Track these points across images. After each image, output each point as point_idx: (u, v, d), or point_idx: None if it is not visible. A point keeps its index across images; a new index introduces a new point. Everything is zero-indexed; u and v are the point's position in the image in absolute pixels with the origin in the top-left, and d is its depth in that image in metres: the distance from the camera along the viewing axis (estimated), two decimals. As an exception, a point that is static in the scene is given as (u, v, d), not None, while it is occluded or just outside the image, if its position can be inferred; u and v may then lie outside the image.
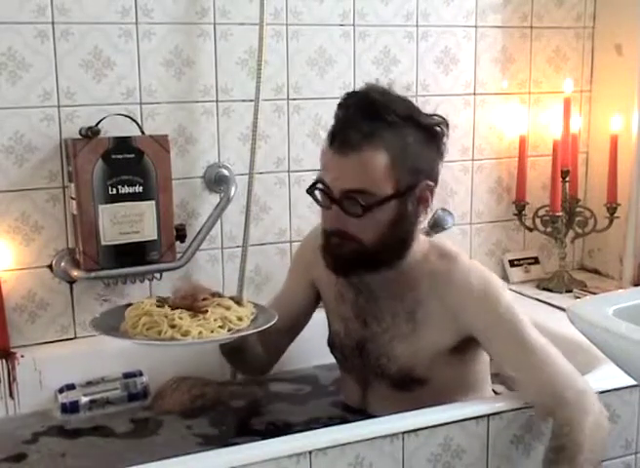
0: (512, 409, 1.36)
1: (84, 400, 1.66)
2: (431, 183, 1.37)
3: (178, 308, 1.30)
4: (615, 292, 1.25)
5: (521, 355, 1.36)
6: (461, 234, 2.12)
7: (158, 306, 1.32)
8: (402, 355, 1.43)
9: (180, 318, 1.27)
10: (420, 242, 1.44)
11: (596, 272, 2.29)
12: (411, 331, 1.42)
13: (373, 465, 1.27)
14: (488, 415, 1.34)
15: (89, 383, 1.70)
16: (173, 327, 1.27)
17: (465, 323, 1.39)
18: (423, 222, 1.43)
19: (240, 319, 1.33)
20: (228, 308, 1.33)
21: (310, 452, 1.22)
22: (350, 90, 1.91)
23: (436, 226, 1.98)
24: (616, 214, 2.10)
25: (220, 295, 1.38)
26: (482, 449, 1.35)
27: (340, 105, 1.37)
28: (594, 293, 2.03)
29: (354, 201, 1.32)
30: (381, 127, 1.31)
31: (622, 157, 2.09)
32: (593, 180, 2.26)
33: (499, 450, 1.36)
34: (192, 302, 1.31)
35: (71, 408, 1.65)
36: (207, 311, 1.29)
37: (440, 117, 1.39)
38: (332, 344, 1.57)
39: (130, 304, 1.39)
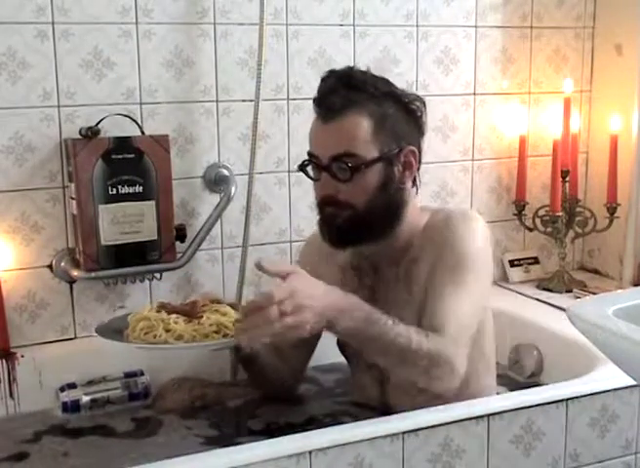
0: (512, 409, 1.36)
1: (85, 399, 1.67)
2: (414, 149, 1.42)
3: (175, 313, 1.32)
4: (615, 293, 1.25)
5: (442, 294, 1.38)
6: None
7: (158, 311, 1.33)
8: (410, 322, 1.38)
9: (176, 322, 1.29)
10: (415, 210, 1.48)
11: (596, 272, 2.29)
12: (407, 293, 1.44)
13: (373, 465, 1.26)
14: (488, 415, 1.34)
15: (90, 382, 1.70)
16: (168, 331, 1.29)
17: (435, 259, 1.41)
18: (412, 189, 1.46)
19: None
20: (225, 314, 1.33)
21: (310, 452, 1.22)
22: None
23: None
24: (616, 215, 2.10)
25: (219, 302, 1.39)
26: (482, 449, 1.35)
27: (322, 79, 1.42)
28: (594, 293, 2.03)
29: (343, 164, 1.37)
30: (362, 96, 1.38)
31: (622, 157, 2.09)
32: (593, 180, 2.26)
33: (498, 450, 1.36)
34: (190, 308, 1.33)
35: (72, 407, 1.66)
36: (202, 316, 1.31)
37: (416, 95, 1.46)
38: (343, 343, 1.55)
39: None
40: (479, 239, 1.44)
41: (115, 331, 1.36)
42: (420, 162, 1.45)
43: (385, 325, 1.29)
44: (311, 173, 1.45)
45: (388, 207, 1.42)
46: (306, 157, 1.46)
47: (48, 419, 1.64)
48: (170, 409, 1.65)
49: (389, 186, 1.41)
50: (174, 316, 1.31)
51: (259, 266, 1.24)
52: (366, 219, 1.40)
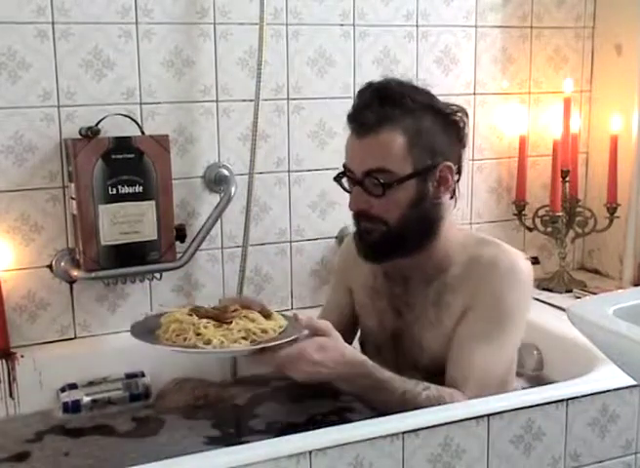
0: (512, 409, 1.36)
1: (86, 399, 1.67)
2: (450, 164, 1.40)
3: (207, 317, 1.33)
4: (615, 292, 1.25)
5: (471, 347, 1.39)
6: (461, 234, 2.12)
7: (189, 315, 1.34)
8: (431, 344, 1.44)
9: (206, 327, 1.31)
10: (453, 227, 1.48)
11: (596, 272, 2.29)
12: (435, 318, 1.44)
13: (373, 465, 1.26)
14: (488, 415, 1.34)
15: (91, 383, 1.70)
16: (198, 335, 1.30)
17: (471, 301, 1.41)
18: (449, 204, 1.45)
19: (264, 331, 1.33)
20: (253, 320, 1.34)
21: (310, 452, 1.21)
22: (350, 90, 1.96)
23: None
24: (616, 215, 2.10)
25: (249, 308, 1.39)
26: (482, 449, 1.34)
27: (358, 93, 1.42)
28: (594, 293, 2.03)
29: (375, 180, 1.37)
30: (397, 111, 1.37)
31: (622, 157, 2.09)
32: (593, 180, 2.26)
33: (499, 450, 1.36)
34: (221, 313, 1.34)
35: (73, 407, 1.66)
36: (232, 322, 1.32)
37: (458, 106, 1.44)
38: (363, 343, 1.58)
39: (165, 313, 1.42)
40: (523, 295, 1.43)
41: (148, 330, 1.37)
42: (460, 173, 1.43)
43: (393, 393, 1.33)
44: (346, 184, 1.46)
45: (422, 222, 1.42)
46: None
47: (49, 419, 1.64)
48: (171, 409, 1.65)
49: (423, 202, 1.40)
50: (204, 320, 1.32)
51: (295, 317, 1.33)
52: (399, 235, 1.40)
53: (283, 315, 1.43)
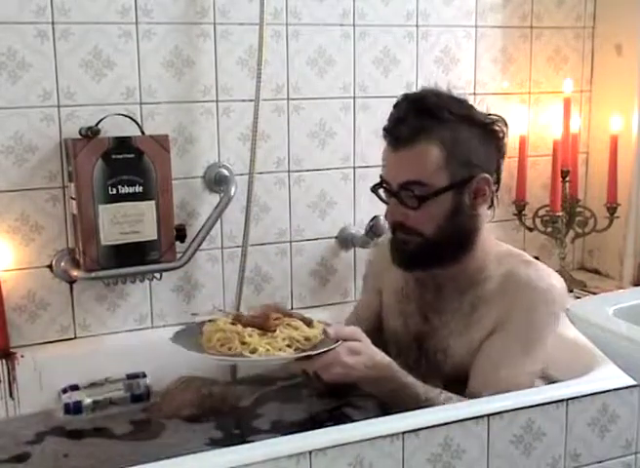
0: (512, 409, 1.36)
1: (87, 401, 1.67)
2: (487, 176, 1.40)
3: (250, 326, 1.35)
4: (615, 293, 1.25)
5: (500, 362, 1.40)
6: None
7: (232, 323, 1.36)
8: (457, 352, 1.45)
9: (250, 336, 1.32)
10: (490, 239, 1.49)
11: (596, 272, 2.29)
12: (465, 328, 1.44)
13: (373, 465, 1.26)
14: (488, 415, 1.33)
15: (92, 384, 1.70)
16: (243, 343, 1.32)
17: (500, 322, 1.42)
18: (486, 215, 1.46)
19: (307, 339, 1.35)
20: (297, 328, 1.36)
21: (310, 452, 1.21)
22: (350, 90, 1.96)
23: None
24: (616, 215, 2.10)
25: (290, 316, 1.41)
26: (482, 449, 1.34)
27: (395, 105, 1.42)
28: (594, 293, 2.03)
29: (410, 193, 1.38)
30: (434, 123, 1.37)
31: (622, 157, 2.09)
32: (593, 180, 2.26)
33: (498, 450, 1.35)
34: (264, 321, 1.35)
35: (74, 408, 1.66)
36: (275, 330, 1.34)
37: (498, 116, 1.43)
38: (386, 343, 1.57)
39: (208, 321, 1.43)
40: (556, 318, 1.43)
41: (190, 339, 1.38)
42: (498, 184, 1.44)
43: (416, 398, 1.36)
44: (383, 195, 1.47)
45: (458, 234, 1.42)
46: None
47: (49, 420, 1.63)
48: (178, 408, 1.62)
49: (459, 214, 1.40)
50: (249, 329, 1.33)
51: (325, 332, 1.33)
52: (435, 247, 1.41)
53: (322, 322, 1.44)
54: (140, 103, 1.78)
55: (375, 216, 1.89)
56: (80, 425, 1.62)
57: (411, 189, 1.37)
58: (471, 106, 1.44)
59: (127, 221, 1.69)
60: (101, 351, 1.77)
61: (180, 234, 1.79)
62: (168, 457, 1.21)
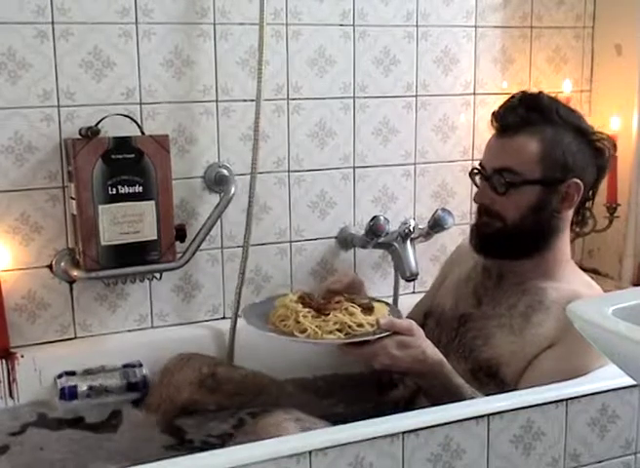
0: (512, 409, 1.36)
1: (83, 387, 1.67)
2: (579, 182, 1.45)
3: (309, 307, 1.41)
4: (615, 292, 1.25)
5: (548, 377, 1.43)
6: (461, 234, 2.11)
7: (296, 302, 1.42)
8: (498, 345, 1.47)
9: (305, 316, 1.38)
10: (567, 250, 1.53)
11: (595, 272, 2.29)
12: (518, 329, 1.47)
13: (373, 465, 1.26)
14: (488, 415, 1.33)
15: (88, 371, 1.71)
16: (297, 322, 1.38)
17: (558, 340, 1.44)
18: (568, 222, 1.52)
19: (360, 325, 1.38)
20: (352, 314, 1.39)
21: (310, 452, 1.21)
22: (350, 90, 1.96)
23: (436, 226, 1.98)
24: (615, 215, 2.10)
25: (353, 301, 1.44)
26: (482, 449, 1.34)
27: (510, 97, 1.51)
28: (594, 294, 2.03)
29: (501, 178, 1.44)
30: (541, 120, 1.44)
31: (622, 157, 2.09)
32: (593, 180, 2.26)
33: (498, 450, 1.35)
34: (323, 305, 1.41)
35: (70, 393, 1.67)
36: (329, 314, 1.39)
37: (607, 135, 1.51)
38: (427, 314, 1.64)
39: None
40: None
41: (261, 312, 1.46)
42: (592, 199, 1.51)
43: (459, 398, 1.38)
44: (477, 180, 1.53)
45: (537, 230, 1.47)
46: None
47: (40, 408, 1.64)
48: (178, 386, 1.61)
49: (543, 211, 1.46)
50: (306, 310, 1.40)
51: (377, 323, 1.36)
52: (512, 235, 1.47)
53: (388, 304, 1.51)
54: (140, 103, 1.78)
55: (374, 217, 1.89)
56: (66, 414, 1.63)
57: (502, 175, 1.44)
58: (582, 118, 1.51)
59: (127, 221, 1.69)
60: (102, 351, 1.77)
61: (180, 234, 1.79)
62: (167, 457, 1.21)
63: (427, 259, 2.12)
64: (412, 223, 1.96)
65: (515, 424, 1.36)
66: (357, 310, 1.41)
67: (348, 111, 1.98)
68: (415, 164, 2.08)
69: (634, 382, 1.40)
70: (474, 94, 2.12)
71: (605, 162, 1.49)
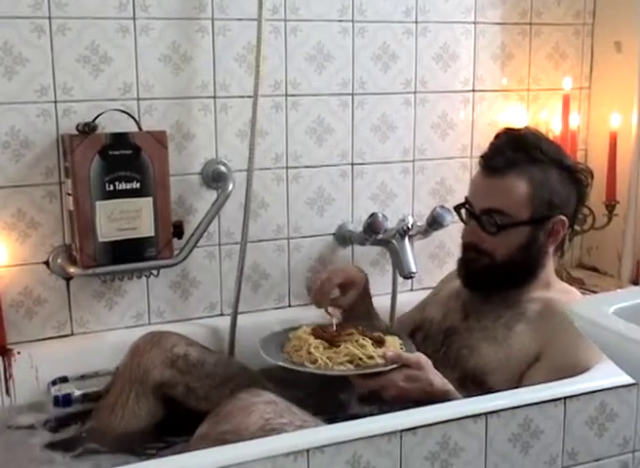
0: (510, 408, 1.35)
1: (77, 393, 1.67)
2: (564, 219, 1.51)
3: (321, 339, 1.46)
4: (615, 292, 1.25)
5: None
6: (460, 231, 2.10)
7: (310, 334, 1.49)
8: (485, 355, 1.50)
9: (316, 347, 1.44)
10: (549, 274, 1.57)
11: (594, 270, 2.29)
12: (503, 339, 1.51)
13: (370, 463, 1.26)
14: (486, 414, 1.33)
15: (82, 377, 1.70)
16: (309, 353, 1.44)
17: (544, 350, 1.47)
18: (551, 255, 1.57)
19: (370, 358, 1.42)
20: (362, 346, 1.44)
21: (308, 451, 1.21)
22: (349, 86, 1.95)
23: (435, 224, 1.97)
24: (614, 212, 2.09)
25: (364, 333, 1.49)
26: (480, 448, 1.34)
27: (495, 136, 1.55)
28: (593, 292, 2.03)
29: (491, 219, 1.48)
30: (527, 160, 1.48)
31: (621, 155, 2.08)
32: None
33: (496, 449, 1.35)
34: (334, 337, 1.46)
35: (64, 401, 1.66)
36: (340, 345, 1.44)
37: (585, 167, 1.57)
38: (415, 328, 1.66)
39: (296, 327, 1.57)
40: (595, 352, 1.44)
41: (279, 341, 1.53)
42: (572, 227, 1.55)
43: None
44: (464, 215, 1.57)
45: (525, 266, 1.52)
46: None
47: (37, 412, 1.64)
48: (147, 368, 1.56)
49: (531, 248, 1.50)
50: (317, 341, 1.46)
51: (384, 355, 1.40)
52: (500, 272, 1.51)
53: (402, 339, 1.55)
54: (138, 99, 1.77)
55: (373, 214, 1.89)
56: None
57: (492, 216, 1.48)
58: (563, 151, 1.56)
59: (124, 218, 1.68)
60: (99, 348, 1.76)
61: (178, 231, 1.78)
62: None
63: (426, 257, 2.11)
64: (410, 221, 1.95)
65: (513, 422, 1.36)
66: (368, 343, 1.45)
67: (347, 108, 1.97)
68: (413, 161, 2.07)
69: (633, 381, 1.40)
70: (473, 90, 2.12)
71: (585, 191, 1.54)
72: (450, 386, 1.41)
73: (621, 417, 1.46)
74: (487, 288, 1.55)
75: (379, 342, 1.46)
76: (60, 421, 1.62)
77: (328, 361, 1.41)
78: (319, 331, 1.49)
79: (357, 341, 1.45)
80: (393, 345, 1.48)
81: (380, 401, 1.46)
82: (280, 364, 1.43)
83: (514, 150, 1.48)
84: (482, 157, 1.53)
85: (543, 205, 1.48)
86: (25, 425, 1.60)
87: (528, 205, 1.47)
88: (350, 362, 1.42)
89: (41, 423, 1.61)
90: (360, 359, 1.42)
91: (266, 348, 1.48)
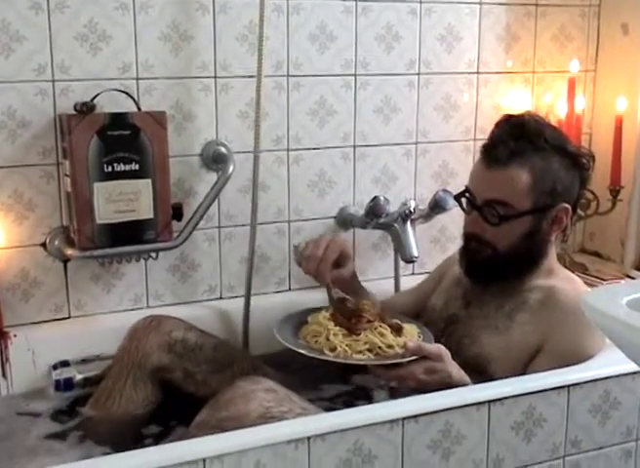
0: (513, 396, 1.34)
1: (78, 377, 1.65)
2: (567, 206, 1.49)
3: (340, 326, 1.43)
4: (629, 283, 1.23)
5: None
6: (462, 215, 2.08)
7: (329, 319, 1.45)
8: (486, 344, 1.50)
9: (335, 335, 1.41)
10: (552, 261, 1.55)
11: (597, 255, 2.27)
12: (505, 328, 1.50)
13: (372, 451, 1.25)
14: (489, 401, 1.32)
15: (83, 360, 1.69)
16: (328, 340, 1.40)
17: (547, 339, 1.46)
18: (556, 242, 1.56)
19: (390, 347, 1.40)
20: (382, 335, 1.41)
21: (309, 438, 1.20)
22: (351, 67, 1.92)
23: (437, 207, 1.95)
24: (619, 198, 2.07)
25: (383, 320, 1.46)
26: (482, 436, 1.33)
27: (496, 124, 1.51)
28: (595, 277, 2.02)
29: (494, 210, 1.46)
30: (529, 149, 1.46)
31: (627, 139, 2.06)
32: (596, 163, 2.21)
33: (499, 437, 1.34)
34: (354, 324, 1.43)
35: (65, 385, 1.64)
36: (360, 333, 1.41)
37: (587, 150, 1.55)
38: (418, 315, 1.66)
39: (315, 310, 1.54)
40: (597, 336, 1.45)
41: (294, 325, 1.50)
42: (574, 212, 1.53)
43: None
44: (465, 204, 1.54)
45: (528, 255, 1.51)
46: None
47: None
48: (145, 352, 1.55)
49: (534, 237, 1.49)
50: (337, 328, 1.42)
51: (405, 346, 1.37)
52: (504, 262, 1.50)
53: (420, 328, 1.52)
54: (137, 79, 1.74)
55: (375, 197, 1.87)
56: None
57: (494, 207, 1.46)
58: (565, 137, 1.53)
59: (122, 200, 1.66)
60: (96, 331, 1.75)
61: (177, 213, 1.76)
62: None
63: (427, 241, 2.09)
64: (412, 204, 1.93)
65: (516, 410, 1.35)
66: (387, 331, 1.42)
67: (349, 89, 1.94)
68: (416, 143, 2.05)
69: (636, 369, 1.39)
70: (477, 72, 2.08)
71: (587, 176, 1.53)
72: (467, 378, 1.40)
73: (625, 406, 1.45)
74: (489, 278, 1.54)
75: (397, 330, 1.44)
76: (59, 406, 1.61)
77: (347, 348, 1.39)
78: (339, 318, 1.45)
79: (376, 329, 1.42)
80: (411, 334, 1.46)
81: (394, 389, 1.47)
82: (299, 350, 1.39)
83: (516, 139, 1.46)
84: (483, 147, 1.50)
85: (546, 194, 1.46)
86: (21, 410, 1.59)
87: (530, 195, 1.46)
88: (369, 350, 1.39)
89: (38, 408, 1.59)
90: (379, 348, 1.39)
91: (283, 332, 1.45)
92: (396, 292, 1.98)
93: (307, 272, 1.57)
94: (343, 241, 1.66)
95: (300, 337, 1.45)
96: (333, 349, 1.39)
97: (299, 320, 1.51)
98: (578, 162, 1.50)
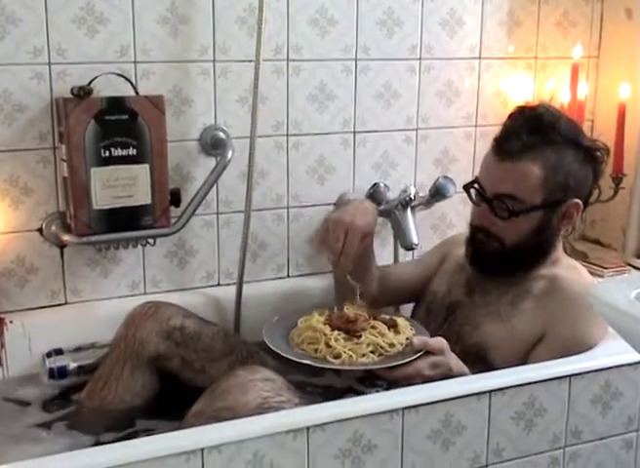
0: (514, 386, 1.34)
1: (72, 365, 1.63)
2: (579, 202, 1.47)
3: (338, 329, 1.39)
4: (637, 276, 1.22)
5: None
6: (463, 202, 2.06)
7: (325, 323, 1.41)
8: (488, 331, 1.49)
9: (336, 340, 1.37)
10: (559, 253, 1.54)
11: (598, 243, 2.26)
12: (507, 316, 1.49)
13: (372, 441, 1.24)
14: (489, 392, 1.31)
15: (78, 348, 1.67)
16: (328, 346, 1.37)
17: (549, 327, 1.45)
18: (565, 236, 1.56)
19: (392, 345, 1.39)
20: (382, 334, 1.40)
21: (308, 428, 1.19)
22: (352, 51, 1.89)
23: (437, 194, 1.94)
24: (621, 185, 2.05)
25: (375, 318, 1.44)
26: (483, 426, 1.32)
27: (509, 116, 1.49)
28: (596, 265, 2.00)
29: (503, 204, 1.44)
30: (543, 142, 1.43)
31: (630, 126, 2.03)
32: (598, 150, 2.21)
33: (500, 427, 1.34)
34: (352, 326, 1.40)
35: (59, 373, 1.63)
36: (361, 335, 1.38)
37: (602, 143, 1.51)
38: (420, 300, 1.67)
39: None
40: (600, 325, 1.45)
41: (281, 333, 1.45)
42: (585, 206, 1.50)
43: None
44: (474, 196, 1.52)
45: (536, 250, 1.49)
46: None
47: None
48: (143, 339, 1.53)
49: (543, 232, 1.47)
50: (336, 333, 1.38)
51: (410, 342, 1.37)
52: (511, 256, 1.48)
53: (408, 320, 1.51)
54: (135, 62, 1.71)
55: (375, 184, 1.85)
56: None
57: (504, 201, 1.44)
58: (579, 129, 1.51)
59: (120, 185, 1.64)
60: (93, 317, 1.74)
61: (175, 199, 1.74)
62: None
63: (428, 228, 2.07)
64: (412, 191, 1.92)
65: (517, 401, 1.34)
66: (386, 330, 1.41)
67: (350, 74, 1.92)
68: (417, 129, 2.03)
69: (637, 359, 1.38)
70: (480, 58, 2.06)
71: (601, 168, 1.50)
72: (465, 368, 1.39)
73: (626, 396, 1.44)
74: (494, 271, 1.53)
75: (392, 326, 1.42)
76: (53, 394, 1.60)
77: (352, 353, 1.35)
78: (335, 321, 1.41)
79: (375, 329, 1.40)
80: (404, 326, 1.45)
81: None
82: (303, 361, 1.35)
83: (530, 132, 1.43)
84: (495, 139, 1.48)
85: (558, 189, 1.44)
86: (16, 398, 1.58)
87: (542, 190, 1.43)
88: (372, 352, 1.37)
89: (32, 395, 1.58)
90: (382, 348, 1.37)
91: (276, 341, 1.40)
92: (397, 265, 1.97)
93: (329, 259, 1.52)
94: (365, 223, 1.50)
95: (294, 345, 1.41)
96: (336, 356, 1.36)
97: (288, 325, 1.47)
98: (592, 155, 1.48)
